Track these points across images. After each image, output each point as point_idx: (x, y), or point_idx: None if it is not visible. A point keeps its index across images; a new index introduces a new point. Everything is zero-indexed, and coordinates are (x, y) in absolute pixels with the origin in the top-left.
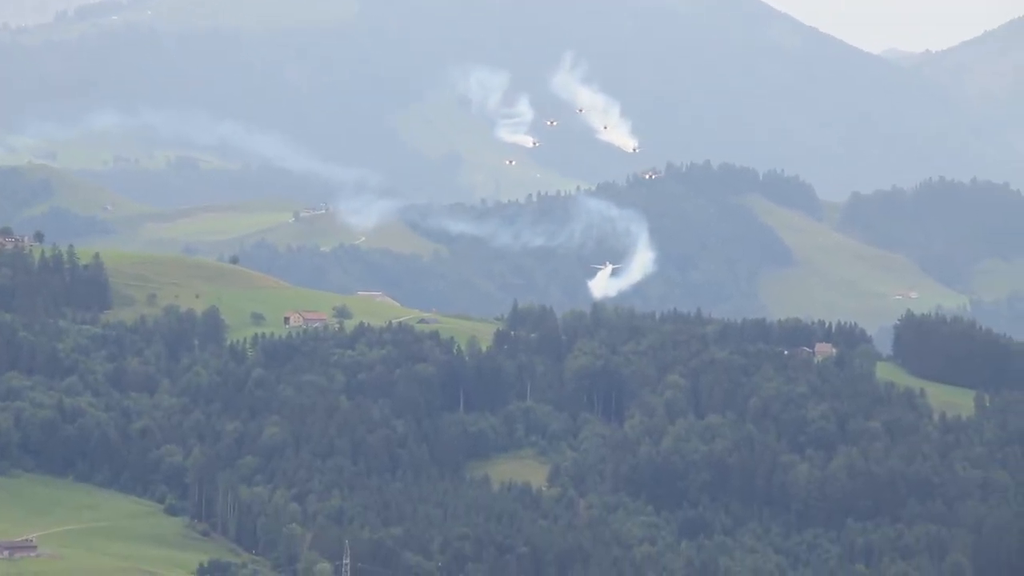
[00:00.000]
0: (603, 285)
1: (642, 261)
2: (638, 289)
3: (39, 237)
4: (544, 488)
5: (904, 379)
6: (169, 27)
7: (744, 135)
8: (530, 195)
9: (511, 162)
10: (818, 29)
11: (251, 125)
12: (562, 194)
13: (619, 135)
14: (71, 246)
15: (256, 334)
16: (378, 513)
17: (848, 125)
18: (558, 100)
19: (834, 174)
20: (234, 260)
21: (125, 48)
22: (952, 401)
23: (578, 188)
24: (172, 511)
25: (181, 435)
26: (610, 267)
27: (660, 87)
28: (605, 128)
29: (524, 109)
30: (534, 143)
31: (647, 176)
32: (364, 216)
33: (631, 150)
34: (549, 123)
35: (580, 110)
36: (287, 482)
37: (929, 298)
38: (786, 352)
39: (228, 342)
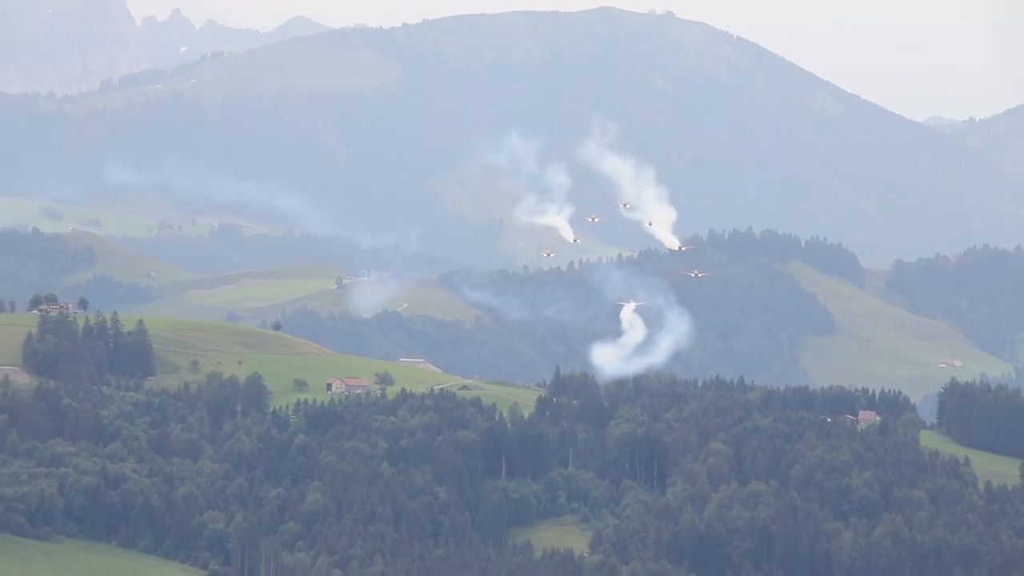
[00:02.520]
0: (611, 356)
1: (674, 333)
2: (681, 356)
3: (83, 304)
4: (586, 555)
5: (948, 447)
6: (212, 95)
7: (786, 202)
8: (572, 263)
9: (549, 254)
10: (860, 96)
11: (293, 192)
12: (604, 261)
13: (664, 234)
14: (115, 313)
15: (298, 400)
16: None
17: (891, 192)
18: (593, 170)
19: (877, 241)
20: (276, 327)
21: (169, 116)
22: (997, 469)
23: (620, 255)
24: None
25: (224, 501)
26: (633, 304)
27: (700, 153)
28: (650, 224)
29: (561, 179)
30: (575, 239)
31: (681, 248)
32: (406, 283)
33: (677, 248)
34: (591, 219)
35: (625, 205)
36: (329, 548)
37: (973, 366)
38: (829, 420)
39: (271, 408)
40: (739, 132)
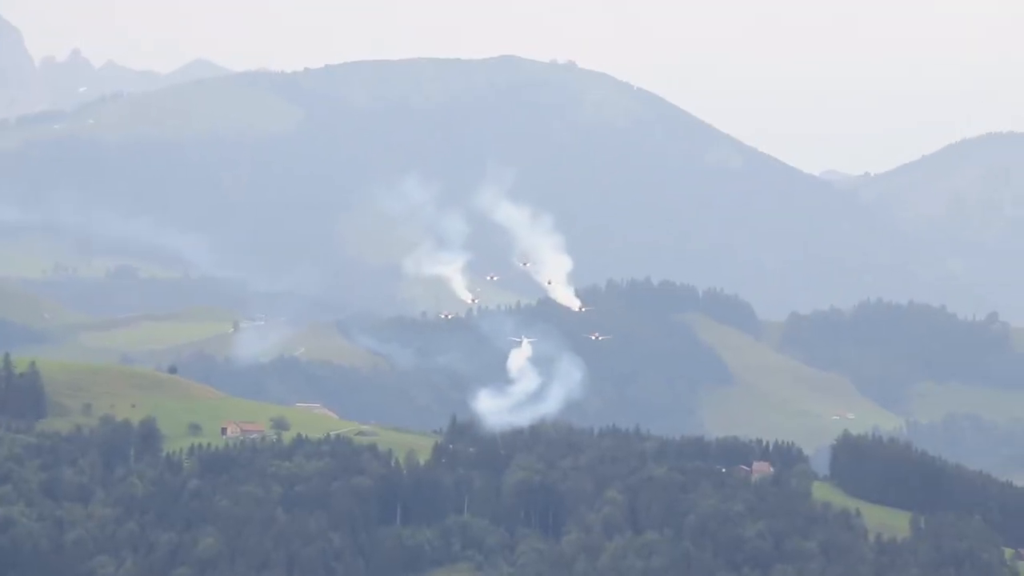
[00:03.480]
0: (491, 405)
1: (567, 381)
2: (575, 406)
3: None
4: None
5: (840, 499)
6: (110, 136)
7: (684, 253)
8: (471, 309)
9: (447, 315)
10: (758, 149)
11: (191, 234)
12: (503, 308)
13: (564, 293)
14: (7, 354)
15: (193, 444)
16: None
17: (787, 245)
18: (491, 217)
19: (773, 293)
20: (172, 370)
21: (66, 157)
22: (888, 522)
23: (518, 303)
24: None
25: (115, 546)
26: (523, 351)
27: (599, 203)
28: (549, 283)
29: (459, 227)
30: (473, 299)
31: (581, 309)
32: (304, 327)
33: (577, 309)
34: (490, 278)
35: (525, 264)
36: None
37: (866, 419)
38: (724, 470)
39: (164, 452)
40: (639, 183)
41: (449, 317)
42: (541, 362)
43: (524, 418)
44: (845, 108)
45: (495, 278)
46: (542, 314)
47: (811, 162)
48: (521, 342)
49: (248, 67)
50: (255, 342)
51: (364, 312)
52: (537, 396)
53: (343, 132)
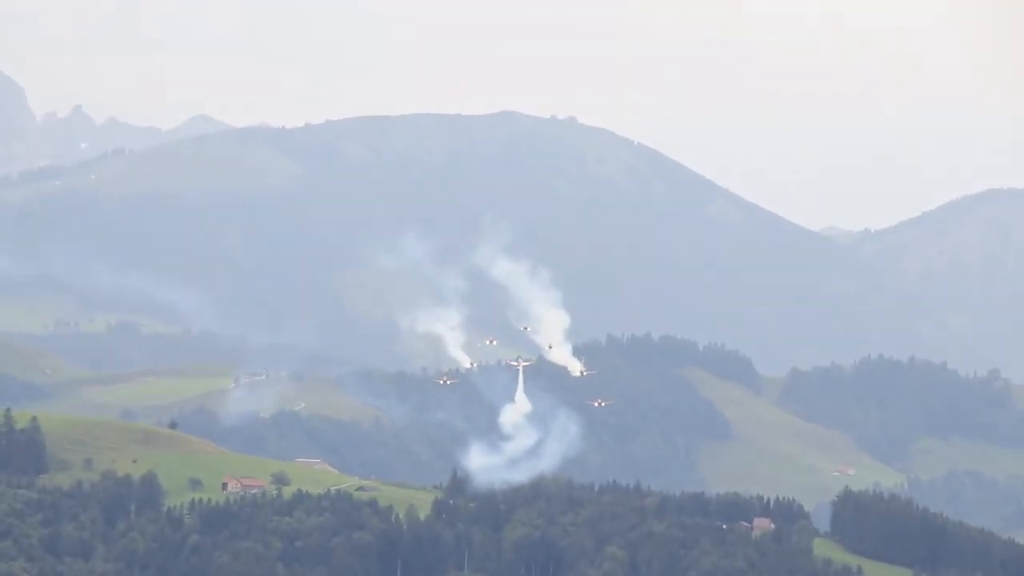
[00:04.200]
0: (487, 461)
1: (564, 437)
2: (574, 462)
3: None
4: None
5: (841, 555)
6: (111, 192)
7: (685, 308)
8: (472, 365)
9: (445, 381)
10: (759, 205)
11: (192, 290)
12: (502, 363)
13: (565, 357)
14: (8, 409)
15: (193, 500)
16: None
17: (787, 301)
18: (491, 273)
19: (774, 349)
20: (172, 425)
21: (67, 212)
22: None
23: (518, 358)
24: None
25: None
26: (520, 407)
27: (600, 258)
28: (550, 347)
29: (457, 283)
30: (472, 364)
31: (583, 373)
32: (304, 382)
33: (578, 373)
34: (489, 342)
35: (525, 328)
36: None
37: (867, 475)
38: (724, 526)
39: (165, 508)
40: (639, 237)
41: (447, 383)
42: (537, 418)
43: (520, 475)
44: (845, 165)
45: (494, 342)
46: (544, 373)
47: (811, 218)
48: (516, 396)
49: (249, 123)
50: (255, 397)
51: (364, 367)
52: (533, 452)
53: (343, 187)
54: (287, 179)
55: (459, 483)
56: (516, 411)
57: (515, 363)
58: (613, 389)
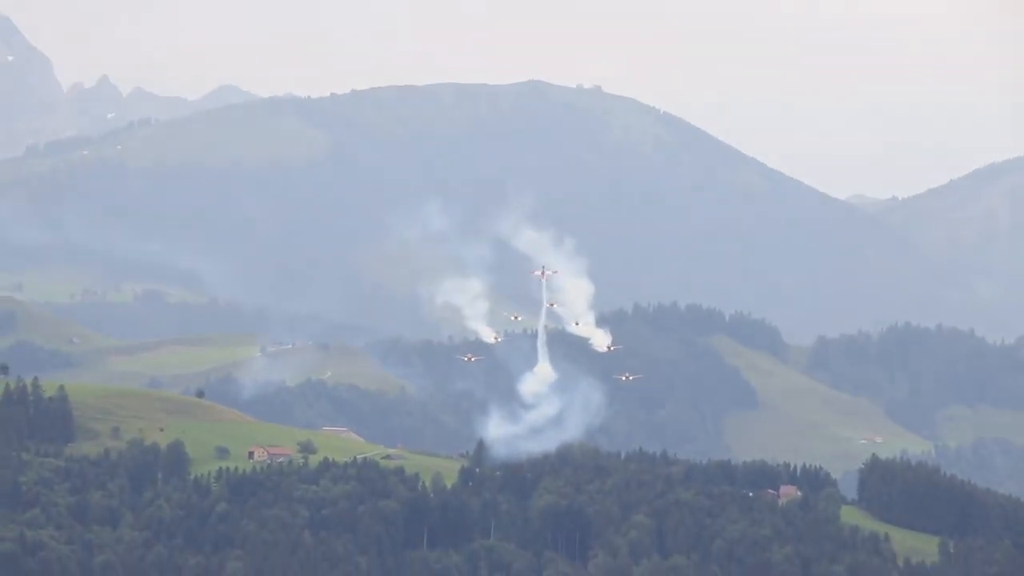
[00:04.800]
0: (509, 431)
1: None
2: (600, 430)
3: (3, 370)
4: None
5: (868, 523)
6: (138, 162)
7: (711, 277)
8: (495, 339)
9: (470, 358)
10: (785, 173)
11: (219, 259)
12: (528, 332)
13: (591, 331)
14: (35, 379)
15: (220, 468)
16: None
17: (814, 269)
18: (515, 243)
19: (800, 317)
20: (199, 394)
21: (94, 182)
22: (916, 546)
23: (545, 327)
24: None
25: (143, 569)
26: (542, 376)
27: (626, 226)
28: (577, 324)
29: (483, 252)
30: (496, 338)
31: (609, 349)
32: (331, 351)
33: (605, 349)
34: (514, 317)
35: (551, 304)
36: None
37: (894, 443)
38: (751, 494)
39: (192, 476)
40: (665, 206)
41: (472, 359)
42: (561, 387)
43: (546, 444)
44: (872, 132)
45: (519, 318)
46: (568, 342)
47: (838, 186)
48: (539, 366)
49: (274, 92)
50: (281, 366)
51: (390, 337)
52: (557, 421)
53: (368, 157)
54: (313, 149)
55: (485, 451)
56: (539, 380)
57: (538, 274)
58: (639, 358)
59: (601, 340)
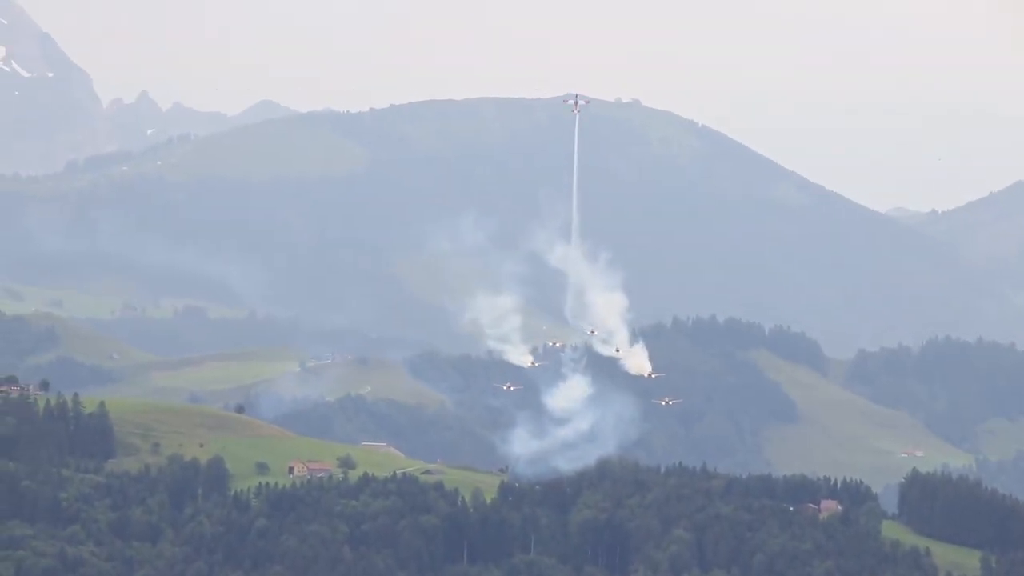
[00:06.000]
0: (541, 446)
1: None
2: (642, 442)
3: (44, 386)
4: None
5: (910, 538)
6: (177, 177)
7: (750, 290)
8: (535, 347)
9: (509, 387)
10: (824, 187)
11: (257, 274)
12: (568, 347)
13: (634, 359)
14: (76, 395)
15: (260, 484)
16: None
17: (854, 282)
18: (557, 258)
19: (840, 331)
20: (239, 409)
21: (134, 198)
22: (958, 561)
23: (585, 342)
24: None
25: None
26: (576, 390)
27: (664, 240)
28: (618, 351)
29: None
30: (532, 363)
31: (651, 376)
32: (370, 366)
33: (647, 376)
34: (552, 344)
35: (592, 331)
36: None
37: (935, 457)
38: (791, 508)
39: (232, 492)
40: (703, 220)
41: (512, 389)
42: (595, 402)
43: (575, 460)
44: (912, 145)
45: (558, 344)
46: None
47: (877, 199)
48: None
49: (314, 107)
50: (321, 381)
51: (428, 351)
52: (592, 437)
53: (407, 172)
54: (352, 164)
55: (521, 467)
56: (574, 395)
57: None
58: (678, 371)
59: (643, 367)
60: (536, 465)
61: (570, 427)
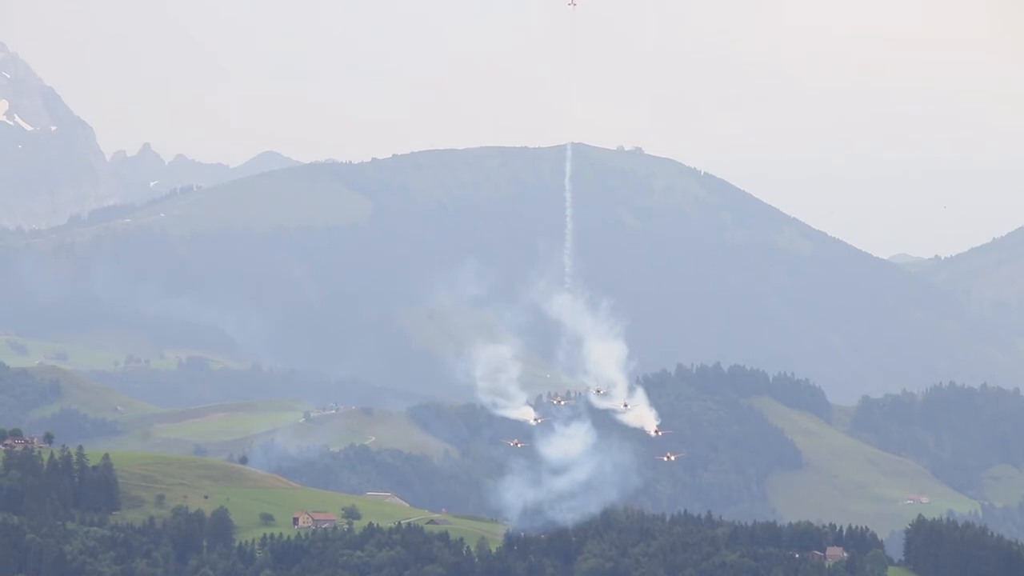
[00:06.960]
0: (540, 495)
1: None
2: (647, 490)
3: (49, 439)
4: None
5: None
6: (181, 229)
7: (753, 338)
8: (540, 396)
9: (516, 443)
10: (827, 233)
11: (261, 325)
12: (572, 395)
13: (641, 415)
14: (80, 447)
15: (265, 535)
16: None
17: (858, 329)
18: (557, 308)
19: (844, 377)
20: (243, 460)
21: (137, 250)
22: None
23: (588, 389)
24: None
25: None
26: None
27: (668, 287)
28: (625, 406)
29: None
30: (536, 420)
31: (657, 433)
32: (374, 416)
33: (653, 434)
34: (557, 401)
35: (598, 391)
36: None
37: (940, 503)
38: (797, 556)
39: (237, 543)
40: (707, 267)
41: (518, 445)
42: (593, 450)
43: (580, 509)
44: (914, 191)
45: (562, 402)
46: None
47: (880, 246)
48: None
49: (315, 158)
50: (325, 431)
51: (434, 401)
52: (592, 487)
53: (410, 222)
54: (355, 214)
55: (530, 515)
56: (575, 444)
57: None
58: (682, 419)
59: (650, 423)
60: (534, 517)
61: (568, 476)
